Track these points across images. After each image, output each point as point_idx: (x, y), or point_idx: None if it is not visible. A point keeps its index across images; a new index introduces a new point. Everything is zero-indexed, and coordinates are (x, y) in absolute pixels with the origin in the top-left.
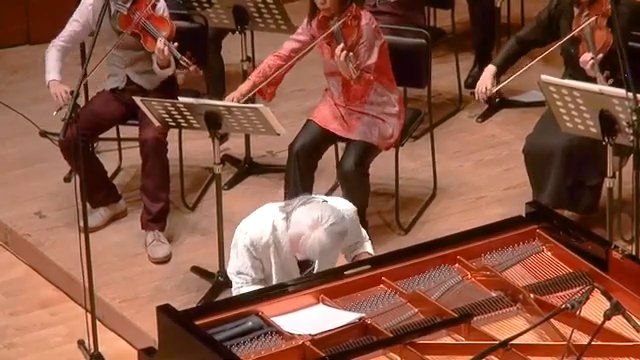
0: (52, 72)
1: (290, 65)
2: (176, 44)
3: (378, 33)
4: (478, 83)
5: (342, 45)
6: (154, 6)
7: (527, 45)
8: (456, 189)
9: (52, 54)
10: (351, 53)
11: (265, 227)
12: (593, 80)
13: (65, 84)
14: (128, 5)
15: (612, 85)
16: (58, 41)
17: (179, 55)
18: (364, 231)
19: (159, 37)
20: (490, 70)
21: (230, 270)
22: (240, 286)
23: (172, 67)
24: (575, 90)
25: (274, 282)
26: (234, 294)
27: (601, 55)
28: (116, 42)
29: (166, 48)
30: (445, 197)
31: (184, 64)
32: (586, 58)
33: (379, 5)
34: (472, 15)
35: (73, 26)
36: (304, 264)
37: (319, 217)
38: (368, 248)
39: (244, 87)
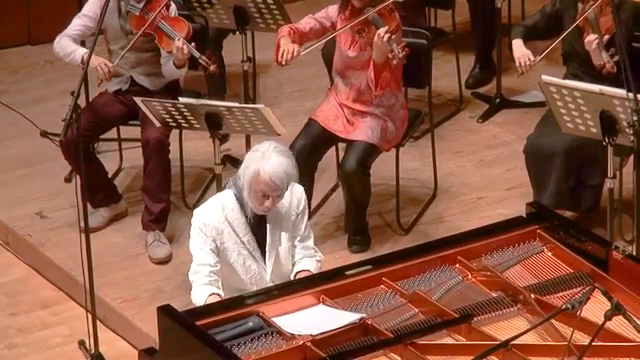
0: (79, 49)
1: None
2: (194, 44)
3: (401, 34)
4: (516, 56)
5: (386, 27)
6: (168, 6)
7: (530, 36)
8: (457, 189)
9: (66, 41)
10: (393, 36)
11: (215, 208)
12: (596, 78)
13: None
14: (141, 5)
15: (616, 63)
16: (70, 32)
17: (198, 54)
18: (319, 252)
19: (177, 37)
20: (520, 42)
21: (191, 270)
22: (197, 285)
23: (186, 68)
24: (576, 90)
25: (239, 271)
26: (192, 295)
27: (607, 37)
28: (130, 44)
29: (185, 47)
30: (446, 197)
31: (204, 63)
32: (591, 39)
33: None
34: (473, 15)
35: (84, 20)
36: (261, 234)
37: (262, 147)
38: (313, 266)
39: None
